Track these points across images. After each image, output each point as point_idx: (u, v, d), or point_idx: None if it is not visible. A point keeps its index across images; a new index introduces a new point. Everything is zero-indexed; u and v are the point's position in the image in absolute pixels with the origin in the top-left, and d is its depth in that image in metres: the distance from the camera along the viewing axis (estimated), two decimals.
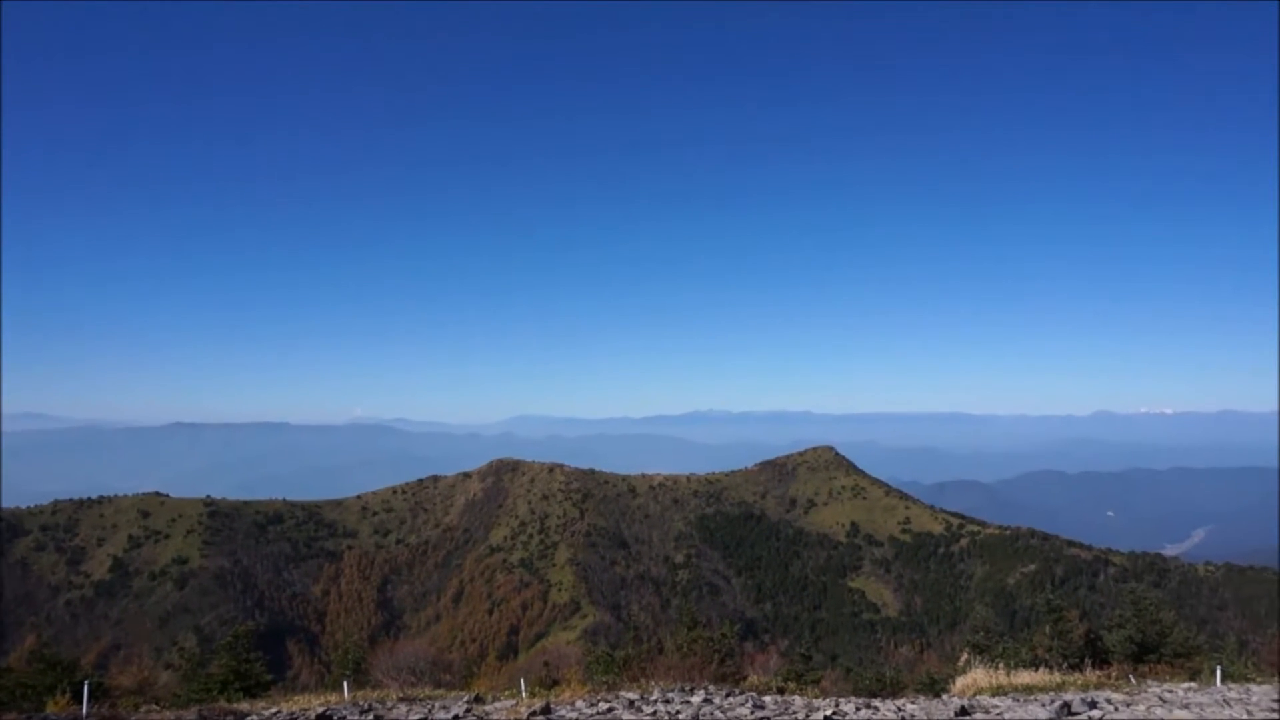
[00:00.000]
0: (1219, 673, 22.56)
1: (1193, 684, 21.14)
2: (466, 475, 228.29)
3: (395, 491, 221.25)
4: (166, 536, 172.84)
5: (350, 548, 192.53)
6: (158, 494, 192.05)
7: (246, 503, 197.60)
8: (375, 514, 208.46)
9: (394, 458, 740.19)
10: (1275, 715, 10.92)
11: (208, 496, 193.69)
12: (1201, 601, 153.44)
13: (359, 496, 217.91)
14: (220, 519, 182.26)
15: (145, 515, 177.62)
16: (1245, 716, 10.78)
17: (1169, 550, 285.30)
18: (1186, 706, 13.32)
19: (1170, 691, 18.60)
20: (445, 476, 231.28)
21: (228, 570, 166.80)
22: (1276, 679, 21.97)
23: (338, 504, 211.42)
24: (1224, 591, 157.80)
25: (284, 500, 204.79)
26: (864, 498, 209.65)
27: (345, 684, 26.72)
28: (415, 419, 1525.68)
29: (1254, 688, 18.63)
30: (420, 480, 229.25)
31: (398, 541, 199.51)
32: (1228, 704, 13.84)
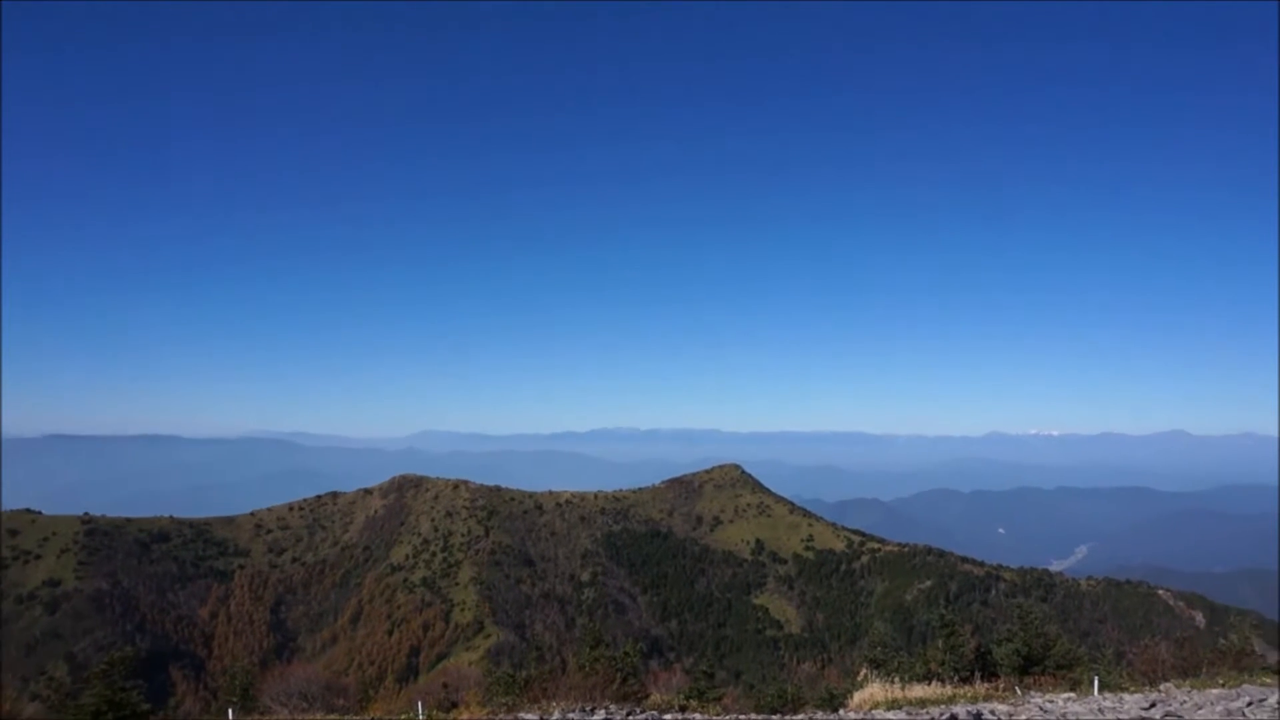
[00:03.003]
0: (1096, 683, 23.76)
1: (1072, 694, 22.17)
2: (368, 491, 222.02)
3: (292, 508, 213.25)
4: (37, 557, 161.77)
5: (242, 567, 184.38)
6: (29, 510, 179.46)
7: (129, 520, 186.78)
8: (269, 532, 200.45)
9: (291, 473, 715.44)
10: None
11: (85, 514, 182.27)
12: (1084, 615, 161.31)
13: (252, 513, 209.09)
14: (99, 538, 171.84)
15: (14, 534, 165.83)
16: None
17: (1055, 566, 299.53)
18: (1065, 716, 13.90)
19: (1051, 702, 19.46)
20: (345, 493, 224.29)
21: (106, 593, 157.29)
22: (1147, 687, 23.26)
23: (229, 521, 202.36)
24: (1104, 605, 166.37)
25: (170, 517, 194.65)
26: (769, 515, 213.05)
27: (231, 711, 25.52)
28: (314, 433, 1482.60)
29: (1126, 696, 19.69)
30: (319, 496, 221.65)
31: (293, 560, 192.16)
32: (1102, 711, 14.51)
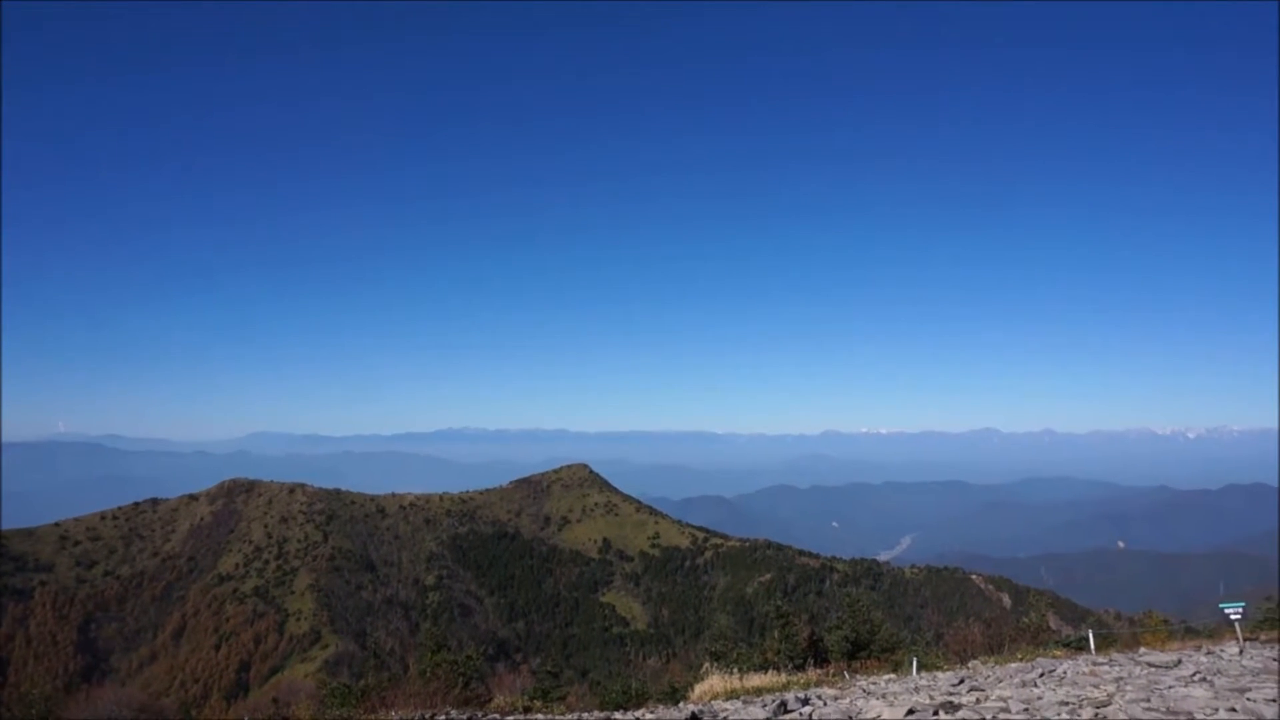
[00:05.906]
0: (915, 663, 25.55)
1: (894, 675, 23.76)
2: (193, 498, 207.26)
3: (104, 517, 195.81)
4: None
5: (44, 584, 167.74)
6: None
7: None
8: (78, 544, 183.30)
9: (103, 480, 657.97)
10: (951, 697, 12.51)
11: None
12: (907, 601, 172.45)
13: (57, 524, 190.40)
14: None
15: None
16: (929, 700, 12.25)
17: (882, 556, 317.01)
18: (884, 696, 14.90)
19: (874, 683, 20.79)
20: (167, 499, 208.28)
21: None
22: (958, 665, 25.29)
23: (29, 533, 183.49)
24: (925, 591, 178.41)
25: None
26: (616, 514, 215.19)
27: None
28: (131, 435, 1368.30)
29: (940, 674, 21.33)
30: (136, 504, 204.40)
31: (106, 574, 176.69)
32: (918, 690, 15.67)
